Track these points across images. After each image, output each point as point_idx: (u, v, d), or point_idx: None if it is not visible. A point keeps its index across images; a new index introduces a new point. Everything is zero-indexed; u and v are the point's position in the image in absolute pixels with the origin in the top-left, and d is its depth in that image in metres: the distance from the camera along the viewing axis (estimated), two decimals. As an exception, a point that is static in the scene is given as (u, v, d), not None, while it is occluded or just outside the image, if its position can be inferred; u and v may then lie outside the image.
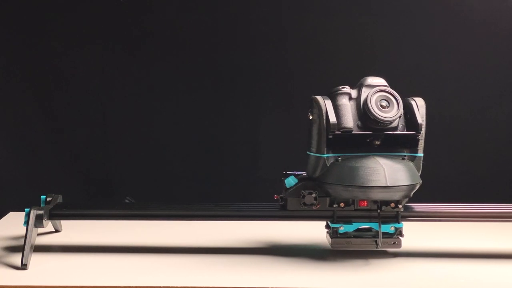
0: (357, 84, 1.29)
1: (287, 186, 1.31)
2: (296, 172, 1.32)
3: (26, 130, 1.82)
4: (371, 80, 1.28)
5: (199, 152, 1.84)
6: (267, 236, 1.46)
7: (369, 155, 1.26)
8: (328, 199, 1.29)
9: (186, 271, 1.23)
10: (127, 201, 1.69)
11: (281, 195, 1.33)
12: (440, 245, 1.42)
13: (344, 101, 1.27)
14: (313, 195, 1.29)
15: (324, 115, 1.26)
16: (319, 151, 1.27)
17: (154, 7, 1.80)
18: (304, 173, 1.32)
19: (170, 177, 1.83)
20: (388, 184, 1.23)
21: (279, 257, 1.32)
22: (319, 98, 1.28)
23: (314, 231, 1.42)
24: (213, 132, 1.83)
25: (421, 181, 1.27)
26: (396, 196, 1.25)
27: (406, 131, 1.28)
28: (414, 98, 1.29)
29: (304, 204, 1.29)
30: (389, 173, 1.23)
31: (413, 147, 1.28)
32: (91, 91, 1.82)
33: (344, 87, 1.28)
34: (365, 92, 1.26)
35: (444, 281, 1.21)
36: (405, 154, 1.28)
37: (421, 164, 1.29)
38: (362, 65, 1.76)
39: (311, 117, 1.29)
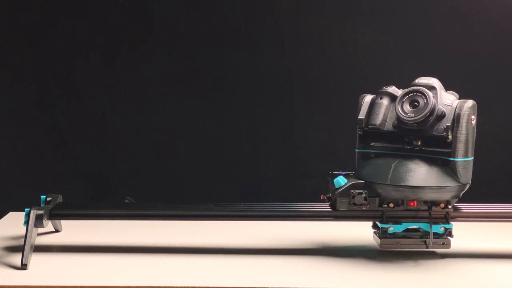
0: None
1: (336, 186, 1.29)
2: (343, 172, 1.32)
3: (26, 130, 1.82)
4: (419, 80, 1.27)
5: (199, 152, 1.83)
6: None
7: (405, 155, 1.27)
8: (377, 199, 1.29)
9: (187, 271, 1.23)
10: (127, 201, 1.69)
11: (328, 195, 1.32)
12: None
13: (380, 100, 1.28)
14: (363, 195, 1.28)
15: (358, 112, 1.31)
16: (356, 146, 1.32)
17: (154, 7, 1.80)
18: (351, 173, 1.32)
19: (170, 177, 1.82)
20: (437, 185, 1.24)
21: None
22: (361, 96, 1.32)
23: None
24: (214, 132, 1.83)
25: (470, 183, 1.26)
26: (447, 196, 1.26)
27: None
28: (463, 100, 1.25)
29: (354, 204, 1.28)
30: (434, 174, 1.24)
31: (447, 150, 1.25)
32: (91, 91, 1.82)
33: (388, 87, 1.29)
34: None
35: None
36: (440, 156, 1.25)
37: (459, 168, 1.24)
38: (365, 68, 1.77)
39: None
